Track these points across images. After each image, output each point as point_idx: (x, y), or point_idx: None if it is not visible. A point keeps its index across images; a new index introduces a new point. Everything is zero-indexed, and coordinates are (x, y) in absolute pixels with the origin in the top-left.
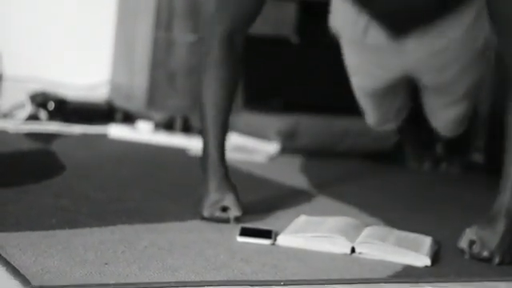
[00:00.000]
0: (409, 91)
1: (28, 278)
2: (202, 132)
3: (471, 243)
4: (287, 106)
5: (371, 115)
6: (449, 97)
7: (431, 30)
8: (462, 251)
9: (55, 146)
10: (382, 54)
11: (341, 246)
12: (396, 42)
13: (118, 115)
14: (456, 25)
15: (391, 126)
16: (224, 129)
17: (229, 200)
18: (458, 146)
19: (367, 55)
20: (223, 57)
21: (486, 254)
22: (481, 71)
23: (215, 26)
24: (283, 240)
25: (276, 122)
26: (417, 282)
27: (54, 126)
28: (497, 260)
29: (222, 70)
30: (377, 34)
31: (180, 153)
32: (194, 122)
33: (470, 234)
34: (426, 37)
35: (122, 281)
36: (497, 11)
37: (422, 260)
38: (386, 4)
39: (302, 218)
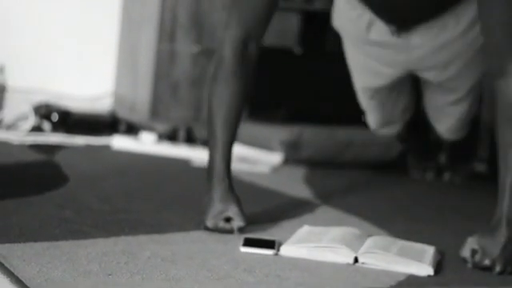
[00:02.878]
0: (412, 92)
1: None
2: (208, 142)
3: (473, 252)
4: (290, 116)
5: (373, 116)
6: (453, 94)
7: (435, 25)
8: (464, 260)
9: (59, 158)
10: (386, 50)
11: (344, 256)
12: (400, 38)
13: (122, 126)
14: (459, 20)
15: (393, 128)
16: (231, 140)
17: (232, 210)
18: (460, 155)
19: (371, 52)
20: (236, 68)
21: (487, 262)
22: (483, 67)
23: (227, 31)
24: (286, 250)
25: (279, 132)
26: None
27: (58, 138)
28: (498, 268)
29: (234, 82)
30: (380, 30)
31: (183, 164)
32: (198, 132)
33: (471, 243)
34: (429, 32)
35: None
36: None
37: (425, 269)
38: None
39: (305, 229)
